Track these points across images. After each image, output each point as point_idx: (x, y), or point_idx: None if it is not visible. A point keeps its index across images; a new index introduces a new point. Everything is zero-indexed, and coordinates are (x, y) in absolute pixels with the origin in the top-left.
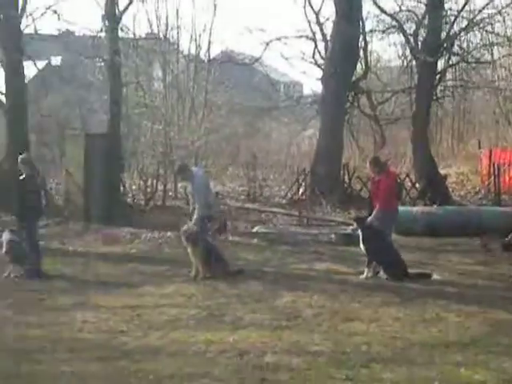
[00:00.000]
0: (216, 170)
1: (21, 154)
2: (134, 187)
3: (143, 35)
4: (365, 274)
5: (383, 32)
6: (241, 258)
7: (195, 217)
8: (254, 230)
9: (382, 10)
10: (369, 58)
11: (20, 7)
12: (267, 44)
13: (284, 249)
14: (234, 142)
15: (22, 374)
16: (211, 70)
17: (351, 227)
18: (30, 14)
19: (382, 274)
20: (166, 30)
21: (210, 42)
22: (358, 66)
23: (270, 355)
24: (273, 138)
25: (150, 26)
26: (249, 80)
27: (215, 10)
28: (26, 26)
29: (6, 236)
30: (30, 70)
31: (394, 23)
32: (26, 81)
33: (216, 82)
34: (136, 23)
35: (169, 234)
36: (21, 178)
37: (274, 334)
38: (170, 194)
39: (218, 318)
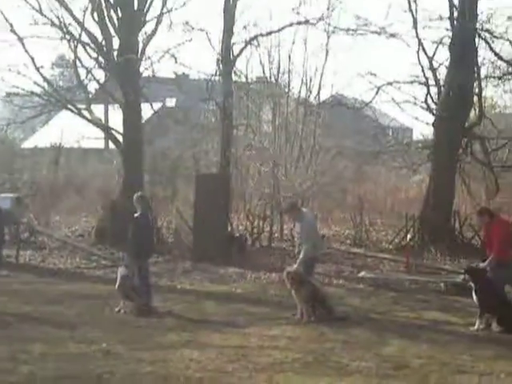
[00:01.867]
0: (322, 212)
1: (136, 192)
2: (240, 227)
3: (254, 78)
4: (476, 325)
5: (499, 78)
6: (346, 303)
7: (300, 257)
8: (360, 275)
9: (499, 56)
10: (483, 104)
11: (140, 51)
12: (378, 88)
13: (391, 295)
14: (341, 185)
15: None
16: (320, 113)
17: (462, 276)
18: (149, 58)
19: (494, 326)
20: (278, 73)
21: (320, 86)
22: (472, 111)
23: None
24: (380, 182)
25: (263, 69)
26: (357, 124)
27: (327, 54)
28: (145, 69)
29: (119, 271)
30: (146, 111)
31: (510, 70)
32: (142, 121)
33: (325, 125)
34: (249, 67)
35: (274, 275)
36: (135, 215)
37: (380, 382)
38: (276, 235)
39: (323, 363)
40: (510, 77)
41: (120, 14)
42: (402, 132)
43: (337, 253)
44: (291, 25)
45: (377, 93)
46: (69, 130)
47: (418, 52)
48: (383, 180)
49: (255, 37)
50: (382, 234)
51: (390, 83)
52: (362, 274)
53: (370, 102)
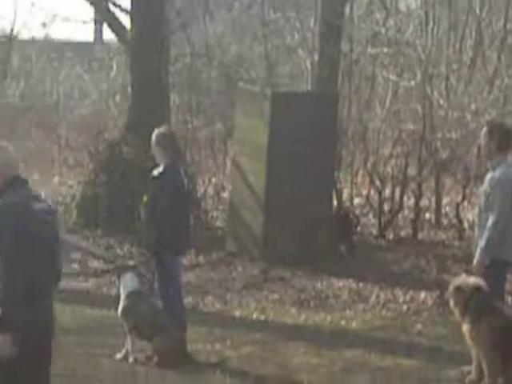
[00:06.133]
0: None
1: (156, 127)
2: (356, 200)
3: None
4: None
5: None
6: None
7: (481, 246)
8: None
9: None
10: None
11: None
12: None
13: None
14: None
15: None
16: None
17: None
18: None
19: None
20: None
21: None
22: None
23: None
24: None
25: None
26: None
27: None
28: None
29: (125, 283)
30: None
31: None
32: None
33: None
34: None
35: (423, 295)
36: (155, 172)
37: None
38: (428, 216)
39: None
40: None
41: None
42: None
43: None
44: None
45: None
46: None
47: None
48: None
49: None
50: None
51: None
52: None
53: None
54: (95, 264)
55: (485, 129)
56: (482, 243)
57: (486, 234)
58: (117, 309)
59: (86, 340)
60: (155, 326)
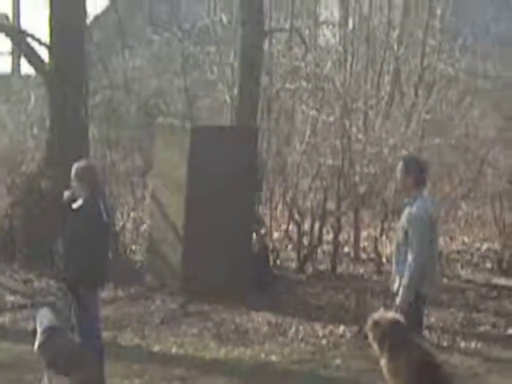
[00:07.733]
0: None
1: (75, 159)
2: (276, 234)
3: None
4: None
5: None
6: None
7: (404, 284)
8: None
9: None
10: None
11: None
12: None
13: None
14: (473, 152)
15: None
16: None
17: None
18: None
19: None
20: None
21: None
22: None
23: None
24: None
25: None
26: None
27: None
28: None
29: (41, 318)
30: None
31: None
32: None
33: (445, 28)
34: None
35: (342, 328)
36: (74, 206)
37: None
38: (347, 250)
39: None
40: None
41: None
42: None
43: (465, 287)
44: None
45: None
46: None
47: None
48: None
49: None
50: None
51: None
52: None
53: None
54: (12, 298)
55: (401, 164)
56: (404, 282)
57: (407, 273)
58: (34, 344)
59: (2, 376)
60: (72, 361)
